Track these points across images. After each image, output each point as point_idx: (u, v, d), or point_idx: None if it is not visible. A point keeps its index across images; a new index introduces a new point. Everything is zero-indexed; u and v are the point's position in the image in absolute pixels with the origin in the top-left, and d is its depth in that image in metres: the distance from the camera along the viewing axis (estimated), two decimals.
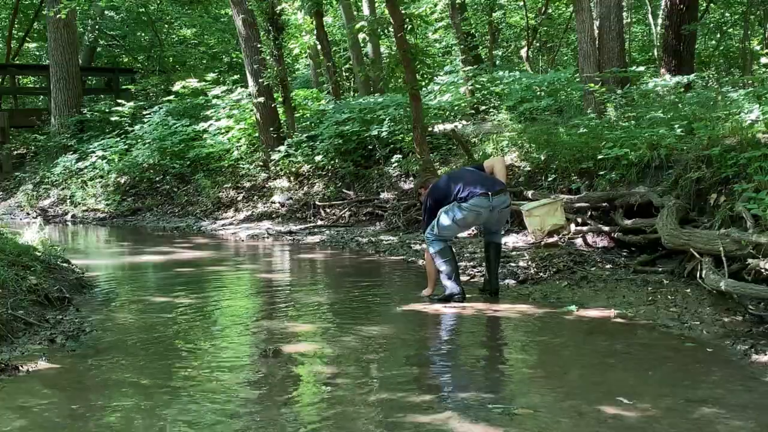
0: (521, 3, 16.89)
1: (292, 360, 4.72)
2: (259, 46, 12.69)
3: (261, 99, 12.79)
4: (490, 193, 5.93)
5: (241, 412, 3.82)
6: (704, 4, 15.18)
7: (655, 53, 15.12)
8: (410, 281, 7.20)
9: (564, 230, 6.98)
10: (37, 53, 25.11)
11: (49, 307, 5.89)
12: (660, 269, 6.56)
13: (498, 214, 6.08)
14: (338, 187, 11.75)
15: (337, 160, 11.95)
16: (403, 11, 10.11)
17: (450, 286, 6.07)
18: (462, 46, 13.63)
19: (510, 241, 8.46)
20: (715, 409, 3.70)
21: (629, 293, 6.05)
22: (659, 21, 14.54)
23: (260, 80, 12.68)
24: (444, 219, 6.07)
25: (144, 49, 24.34)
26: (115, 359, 4.77)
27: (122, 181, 14.70)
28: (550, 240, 8.14)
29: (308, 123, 13.29)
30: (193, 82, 16.27)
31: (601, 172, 7.87)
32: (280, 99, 13.11)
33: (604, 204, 7.78)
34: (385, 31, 12.78)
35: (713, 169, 6.57)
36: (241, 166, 13.27)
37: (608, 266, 6.95)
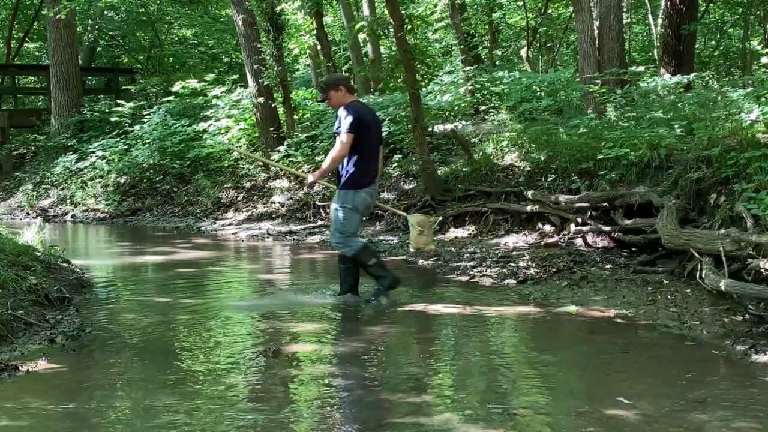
0: (521, 3, 16.88)
1: (292, 360, 4.73)
2: (259, 46, 12.69)
3: (261, 99, 12.80)
4: (376, 180, 6.19)
5: (241, 412, 3.82)
6: (704, 4, 15.17)
7: (655, 53, 15.11)
8: (410, 281, 7.20)
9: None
10: (37, 53, 25.10)
11: (49, 307, 5.89)
12: (660, 269, 6.56)
13: (374, 202, 6.31)
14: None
15: None
16: (403, 11, 10.09)
17: (386, 274, 6.12)
18: (462, 46, 13.62)
19: (510, 241, 8.47)
20: (715, 409, 3.70)
21: (629, 293, 6.05)
22: (659, 21, 14.53)
23: (260, 80, 12.68)
24: (343, 213, 6.06)
25: (144, 49, 24.34)
26: (115, 359, 4.77)
27: (122, 181, 14.70)
28: (551, 240, 8.16)
29: (308, 123, 13.29)
30: (192, 83, 16.27)
31: (601, 172, 7.87)
32: (280, 99, 13.12)
33: (604, 204, 7.78)
34: (385, 31, 12.77)
35: (713, 169, 6.57)
36: (241, 166, 13.27)
37: (608, 266, 6.96)
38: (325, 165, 6.17)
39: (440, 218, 7.69)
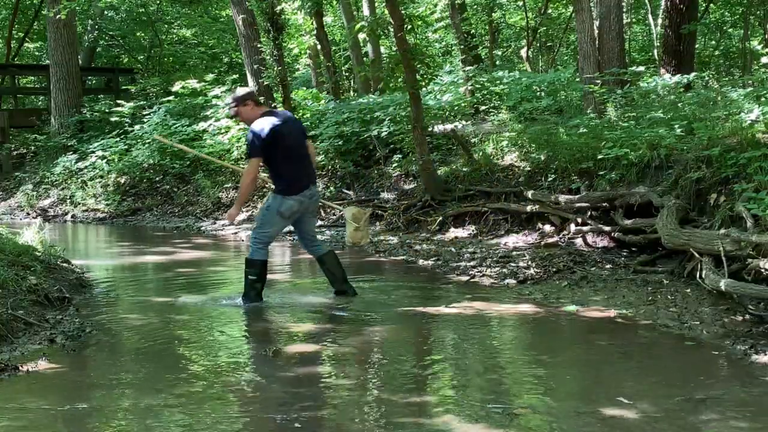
0: (521, 3, 16.89)
1: (292, 360, 4.72)
2: (259, 46, 12.69)
3: (261, 99, 12.79)
4: (311, 184, 6.09)
5: (241, 412, 3.82)
6: (704, 4, 15.18)
7: (655, 53, 15.12)
8: (410, 282, 7.20)
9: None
10: (37, 53, 25.10)
11: (49, 307, 5.89)
12: (660, 269, 6.56)
13: (314, 204, 6.23)
14: (338, 187, 11.75)
15: (337, 160, 11.95)
16: (403, 11, 10.10)
17: (252, 295, 6.05)
18: (462, 46, 13.62)
19: (510, 241, 8.47)
20: (715, 409, 3.70)
21: (629, 293, 6.05)
22: (659, 21, 14.54)
23: (260, 80, 12.69)
24: (267, 215, 6.04)
25: (144, 49, 24.34)
26: (115, 359, 4.77)
27: (122, 181, 14.70)
28: (551, 240, 8.16)
29: (308, 123, 13.29)
30: (192, 83, 16.27)
31: (601, 172, 7.87)
32: (280, 99, 13.11)
33: (604, 204, 7.78)
34: (385, 31, 12.77)
35: (713, 169, 6.57)
36: (241, 166, 13.25)
37: (608, 266, 6.96)
38: (238, 197, 6.23)
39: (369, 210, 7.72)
